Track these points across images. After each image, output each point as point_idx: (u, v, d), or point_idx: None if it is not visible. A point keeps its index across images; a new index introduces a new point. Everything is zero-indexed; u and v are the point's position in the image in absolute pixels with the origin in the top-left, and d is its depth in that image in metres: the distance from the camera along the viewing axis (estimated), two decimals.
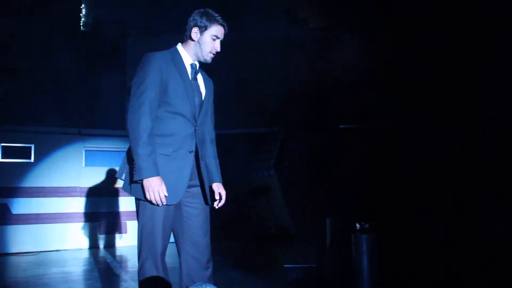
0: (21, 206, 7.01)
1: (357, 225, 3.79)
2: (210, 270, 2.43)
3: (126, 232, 7.68)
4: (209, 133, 2.57)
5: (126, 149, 2.43)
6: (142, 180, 2.19)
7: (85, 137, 7.73)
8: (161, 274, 2.26)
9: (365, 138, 7.95)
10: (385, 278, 3.81)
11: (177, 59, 2.39)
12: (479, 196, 5.07)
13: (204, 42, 2.39)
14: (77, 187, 7.49)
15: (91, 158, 7.71)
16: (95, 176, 7.63)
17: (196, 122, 2.39)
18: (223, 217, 5.11)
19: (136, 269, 2.30)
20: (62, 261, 6.09)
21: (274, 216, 8.77)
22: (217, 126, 2.68)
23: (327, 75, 8.56)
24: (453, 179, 5.45)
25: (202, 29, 2.39)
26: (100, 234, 7.52)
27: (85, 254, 6.83)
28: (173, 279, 2.39)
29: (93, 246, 7.44)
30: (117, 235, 7.66)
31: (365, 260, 3.66)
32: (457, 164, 5.45)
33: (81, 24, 10.07)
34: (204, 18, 2.39)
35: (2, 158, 7.03)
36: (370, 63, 7.36)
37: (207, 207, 2.49)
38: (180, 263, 2.42)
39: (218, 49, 2.43)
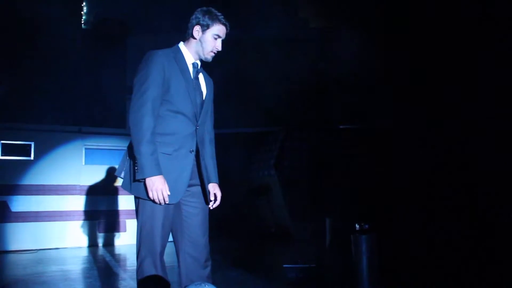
0: (21, 204, 7.01)
1: (357, 226, 3.79)
2: (208, 269, 2.43)
3: (125, 231, 7.68)
4: (209, 133, 2.56)
5: (126, 148, 2.42)
6: (144, 179, 2.19)
7: (85, 135, 7.74)
8: (160, 273, 2.26)
9: (365, 138, 7.95)
10: (385, 278, 3.81)
11: (179, 58, 2.38)
12: (479, 196, 5.07)
13: (206, 41, 2.39)
14: (76, 185, 7.49)
15: (91, 156, 7.71)
16: (95, 174, 7.63)
17: (197, 121, 2.39)
18: (223, 217, 5.10)
19: (135, 267, 2.30)
20: (61, 259, 6.09)
21: (274, 216, 8.77)
22: (217, 125, 2.67)
23: (327, 75, 8.56)
24: (453, 179, 5.45)
25: (204, 27, 2.38)
26: (100, 232, 7.53)
27: (84, 252, 6.83)
28: (171, 278, 2.39)
29: (92, 244, 7.44)
30: (116, 234, 7.66)
31: (365, 260, 3.66)
32: (457, 164, 5.45)
33: (82, 22, 10.07)
34: (206, 16, 2.38)
35: (2, 155, 7.02)
36: (370, 63, 7.36)
37: (207, 207, 2.49)
38: (178, 262, 2.42)
39: (219, 48, 2.42)
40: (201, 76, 2.49)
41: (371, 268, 3.67)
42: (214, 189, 2.53)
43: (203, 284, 2.13)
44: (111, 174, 7.61)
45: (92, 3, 10.30)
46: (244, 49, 8.87)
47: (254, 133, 9.31)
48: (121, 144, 7.67)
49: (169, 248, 2.29)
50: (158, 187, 2.17)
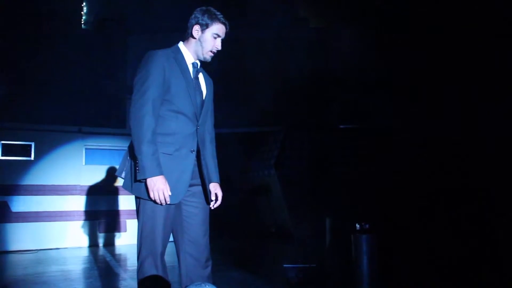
0: (21, 204, 7.02)
1: (357, 225, 3.79)
2: (209, 269, 2.42)
3: (125, 231, 7.69)
4: (209, 133, 2.56)
5: (126, 148, 2.42)
6: (145, 179, 2.19)
7: (85, 135, 7.74)
8: (161, 273, 2.25)
9: (365, 138, 7.95)
10: (385, 278, 3.81)
11: (180, 58, 2.38)
12: (479, 196, 5.07)
13: (205, 40, 2.39)
14: (77, 185, 7.50)
15: (91, 157, 7.72)
16: (95, 174, 7.63)
17: (197, 121, 2.39)
18: (223, 217, 5.10)
19: (135, 267, 2.30)
20: (61, 259, 6.09)
21: (274, 215, 8.78)
22: (217, 125, 2.67)
23: (327, 75, 8.56)
24: (453, 179, 5.45)
25: (204, 27, 2.38)
26: (100, 232, 7.53)
27: (85, 252, 6.83)
28: (172, 278, 2.39)
29: (93, 244, 7.44)
30: (116, 234, 7.66)
31: (365, 260, 3.66)
32: (457, 164, 5.45)
33: (82, 22, 10.07)
34: (205, 16, 2.38)
35: (2, 156, 7.03)
36: (370, 63, 7.37)
37: (207, 207, 2.48)
38: (178, 262, 2.41)
39: (219, 48, 2.42)
40: (201, 76, 2.49)
41: (371, 268, 3.67)
42: (215, 189, 2.52)
43: (203, 284, 2.13)
44: (111, 174, 7.61)
45: (92, 3, 10.29)
46: (244, 49, 8.87)
47: (254, 133, 9.30)
48: (121, 144, 7.67)
49: (170, 248, 2.29)
50: (159, 188, 2.17)
